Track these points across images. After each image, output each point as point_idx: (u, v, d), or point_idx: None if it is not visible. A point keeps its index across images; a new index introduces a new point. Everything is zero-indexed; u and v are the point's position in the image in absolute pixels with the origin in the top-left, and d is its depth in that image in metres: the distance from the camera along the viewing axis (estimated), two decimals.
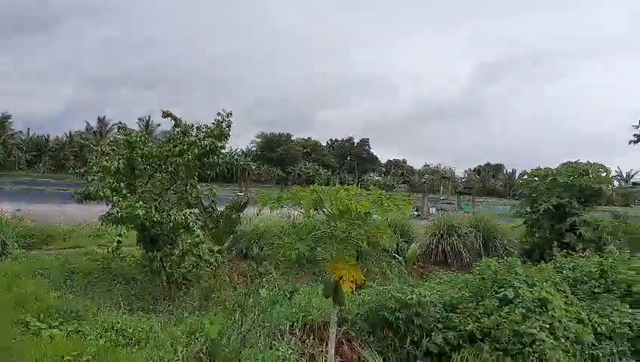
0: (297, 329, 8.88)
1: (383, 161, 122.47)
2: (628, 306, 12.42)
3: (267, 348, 6.94)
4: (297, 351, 8.24)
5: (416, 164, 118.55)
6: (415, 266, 16.29)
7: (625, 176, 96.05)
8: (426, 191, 63.25)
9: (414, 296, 10.41)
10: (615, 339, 11.74)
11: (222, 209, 11.81)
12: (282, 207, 5.29)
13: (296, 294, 9.68)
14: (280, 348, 7.62)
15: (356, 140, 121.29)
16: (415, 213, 42.46)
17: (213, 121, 10.97)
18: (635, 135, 26.19)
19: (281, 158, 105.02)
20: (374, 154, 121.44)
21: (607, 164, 20.65)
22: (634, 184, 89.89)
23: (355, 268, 4.79)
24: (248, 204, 11.84)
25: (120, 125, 11.22)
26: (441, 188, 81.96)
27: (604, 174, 21.71)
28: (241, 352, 6.14)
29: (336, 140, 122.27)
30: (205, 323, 6.99)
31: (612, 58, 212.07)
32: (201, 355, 6.42)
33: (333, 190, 4.90)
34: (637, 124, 26.23)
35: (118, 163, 10.07)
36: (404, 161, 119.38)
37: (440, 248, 18.84)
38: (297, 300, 9.86)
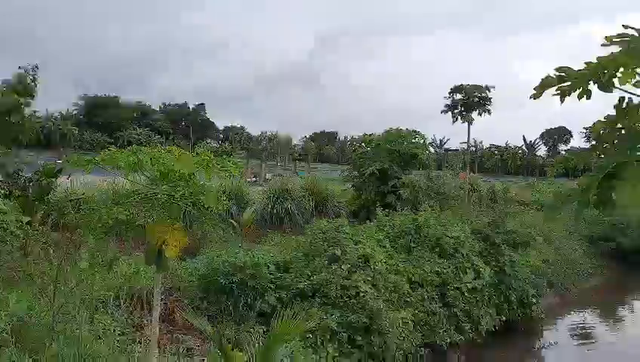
0: (123, 300, 8.40)
1: (221, 127, 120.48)
2: (437, 256, 14.12)
3: (86, 322, 6.41)
4: (123, 323, 7.81)
5: (255, 131, 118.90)
6: (250, 230, 16.44)
7: (439, 142, 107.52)
8: (263, 157, 64.06)
9: (248, 259, 10.52)
10: (426, 287, 13.30)
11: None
12: (92, 171, 4.83)
13: (121, 263, 9.12)
14: (102, 321, 7.13)
15: (191, 106, 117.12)
16: (253, 178, 42.84)
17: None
18: (445, 105, 29.24)
19: (108, 123, 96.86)
20: (211, 120, 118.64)
21: (425, 131, 22.87)
22: (446, 150, 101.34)
23: (179, 231, 4.59)
24: (65, 170, 10.65)
25: None
26: (279, 155, 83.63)
27: (421, 141, 24.07)
28: (53, 329, 5.57)
29: (169, 105, 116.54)
30: (10, 300, 6.18)
31: (439, 34, 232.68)
32: (5, 335, 5.67)
33: (155, 151, 4.60)
34: (447, 95, 29.30)
35: None
36: (243, 128, 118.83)
37: (275, 212, 19.25)
38: (123, 269, 9.29)
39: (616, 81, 2.45)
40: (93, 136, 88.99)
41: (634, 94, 2.43)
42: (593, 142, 2.69)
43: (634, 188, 2.16)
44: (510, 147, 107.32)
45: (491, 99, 27.96)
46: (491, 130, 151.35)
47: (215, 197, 4.70)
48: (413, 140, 23.12)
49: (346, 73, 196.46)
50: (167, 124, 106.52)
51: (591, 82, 2.40)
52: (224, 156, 5.55)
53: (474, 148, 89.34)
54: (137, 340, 7.30)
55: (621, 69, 2.36)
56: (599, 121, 2.53)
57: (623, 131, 2.45)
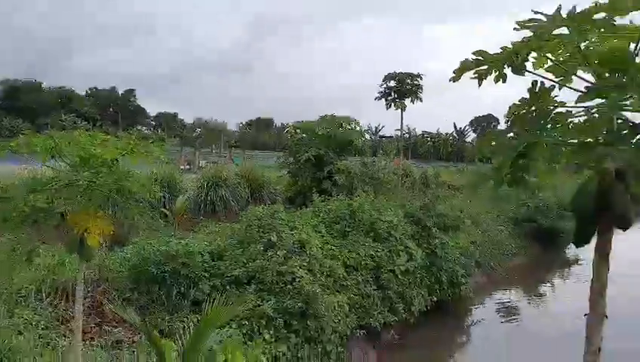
0: (47, 293, 8.01)
1: (153, 113, 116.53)
2: (371, 240, 14.41)
3: (4, 317, 6.05)
4: (47, 316, 7.45)
5: (188, 118, 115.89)
6: (184, 219, 16.08)
7: (374, 129, 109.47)
8: (197, 145, 62.65)
9: (180, 247, 10.30)
10: (361, 270, 13.56)
11: None
12: (10, 158, 4.55)
13: (44, 254, 8.66)
14: (23, 315, 6.77)
15: (120, 91, 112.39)
16: (186, 166, 41.83)
17: None
18: (379, 92, 29.77)
19: (30, 109, 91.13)
20: (142, 106, 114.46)
21: (361, 118, 23.19)
22: (381, 137, 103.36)
23: (103, 219, 4.40)
24: None
25: None
26: (214, 142, 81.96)
27: (357, 128, 24.37)
28: None
29: (96, 89, 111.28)
30: None
31: (376, 21, 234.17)
32: None
33: (74, 135, 4.38)
34: (381, 82, 29.82)
35: None
36: (175, 115, 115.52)
37: (209, 199, 18.91)
38: (46, 261, 8.83)
39: (529, 65, 2.57)
40: (14, 122, 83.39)
41: (546, 78, 2.55)
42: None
43: (543, 167, 2.28)
44: (441, 134, 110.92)
45: (422, 87, 28.76)
46: (424, 117, 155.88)
47: (142, 184, 4.54)
48: (349, 127, 23.38)
49: (281, 60, 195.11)
50: (94, 109, 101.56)
51: (506, 66, 2.50)
52: (152, 141, 5.35)
53: (407, 135, 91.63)
54: (62, 334, 6.99)
55: (533, 54, 2.47)
56: (514, 103, 2.64)
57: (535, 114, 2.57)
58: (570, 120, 2.25)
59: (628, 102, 1.98)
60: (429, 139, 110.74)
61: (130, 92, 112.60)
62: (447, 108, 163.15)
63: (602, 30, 2.19)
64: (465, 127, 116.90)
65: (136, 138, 4.81)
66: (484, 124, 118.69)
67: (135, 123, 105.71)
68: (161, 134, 74.45)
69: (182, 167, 36.00)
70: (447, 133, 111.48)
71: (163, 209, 14.60)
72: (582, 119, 2.30)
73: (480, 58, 2.45)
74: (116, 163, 4.39)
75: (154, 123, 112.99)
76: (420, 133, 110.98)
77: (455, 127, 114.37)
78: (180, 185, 19.05)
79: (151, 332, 4.14)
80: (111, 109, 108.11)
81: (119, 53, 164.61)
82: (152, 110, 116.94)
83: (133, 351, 7.13)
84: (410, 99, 28.60)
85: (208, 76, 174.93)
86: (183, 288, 9.95)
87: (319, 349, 10.79)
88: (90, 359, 6.01)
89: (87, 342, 7.00)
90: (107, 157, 4.27)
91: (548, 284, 22.25)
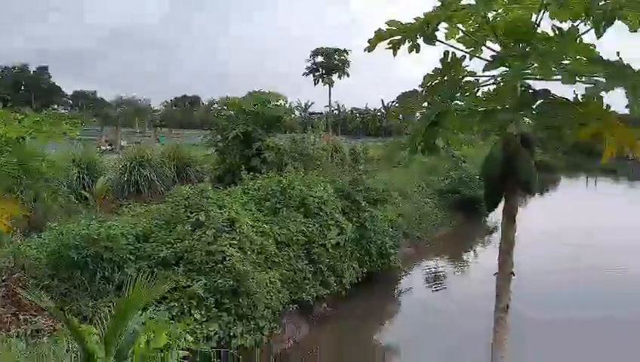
0: None
1: (70, 92, 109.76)
2: (302, 216, 14.50)
3: None
4: None
5: (109, 96, 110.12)
6: (106, 201, 15.41)
7: (304, 106, 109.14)
8: (119, 124, 59.89)
9: (103, 230, 9.89)
10: (292, 246, 13.64)
11: None
12: None
13: None
14: None
15: (32, 69, 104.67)
16: (108, 147, 39.95)
17: None
18: (307, 67, 29.73)
19: None
20: (57, 84, 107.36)
21: (291, 96, 23.04)
22: (310, 113, 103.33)
23: (11, 202, 4.12)
24: None
25: None
26: (137, 121, 78.58)
27: (286, 105, 24.20)
28: None
29: (5, 68, 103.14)
30: None
31: None
32: None
33: None
34: (309, 58, 29.76)
35: None
36: (94, 93, 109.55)
37: (133, 180, 18.22)
38: None
39: (442, 35, 2.62)
40: None
41: (458, 49, 2.61)
42: None
43: (454, 134, 2.36)
44: (370, 110, 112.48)
45: (350, 62, 28.95)
46: (353, 94, 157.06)
47: (52, 165, 4.28)
48: (277, 103, 23.18)
49: (206, 37, 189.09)
50: (4, 88, 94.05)
51: (419, 36, 2.53)
52: (64, 119, 5.04)
53: (337, 112, 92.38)
54: None
55: (444, 24, 2.52)
56: (428, 74, 2.69)
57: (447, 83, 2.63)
58: (478, 89, 2.32)
59: (529, 71, 2.07)
60: (357, 115, 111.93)
61: (44, 70, 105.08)
62: (375, 84, 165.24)
63: (506, 1, 2.27)
64: (393, 102, 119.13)
65: (46, 116, 4.51)
66: (409, 98, 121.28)
67: (50, 102, 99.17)
68: (78, 113, 70.36)
69: (102, 147, 34.36)
70: (375, 109, 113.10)
71: (82, 191, 13.89)
72: (491, 88, 2.38)
73: (393, 28, 2.47)
74: (22, 142, 4.09)
75: (71, 102, 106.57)
76: (349, 109, 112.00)
77: (383, 103, 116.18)
78: (100, 165, 18.20)
79: (68, 318, 3.96)
80: (22, 88, 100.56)
81: (31, 29, 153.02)
82: (69, 89, 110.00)
83: (56, 339, 6.82)
84: (337, 74, 28.75)
85: (129, 53, 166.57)
86: (107, 272, 9.59)
87: (252, 326, 10.82)
88: (4, 349, 5.69)
89: (3, 333, 6.61)
90: (11, 135, 3.96)
91: (470, 251, 23.43)
